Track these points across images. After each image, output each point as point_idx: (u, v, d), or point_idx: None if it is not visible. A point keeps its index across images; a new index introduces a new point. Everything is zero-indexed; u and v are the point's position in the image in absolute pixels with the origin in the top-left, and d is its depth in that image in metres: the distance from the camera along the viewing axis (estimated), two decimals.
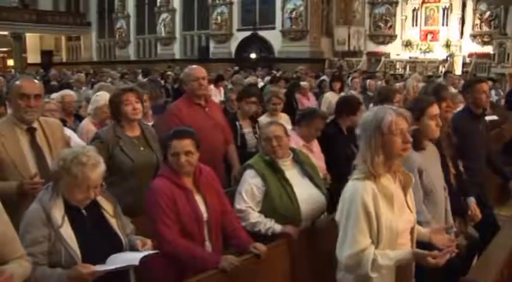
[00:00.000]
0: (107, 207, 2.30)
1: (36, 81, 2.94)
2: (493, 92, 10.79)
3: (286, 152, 3.12)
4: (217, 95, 8.54)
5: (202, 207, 2.67)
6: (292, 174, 3.07)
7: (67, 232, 2.11)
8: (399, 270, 2.14)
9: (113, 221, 2.29)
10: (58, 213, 2.13)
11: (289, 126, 4.80)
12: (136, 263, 2.14)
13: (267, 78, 12.00)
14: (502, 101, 10.24)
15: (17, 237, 1.99)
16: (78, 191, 2.13)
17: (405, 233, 2.16)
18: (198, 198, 2.68)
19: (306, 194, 3.02)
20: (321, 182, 3.18)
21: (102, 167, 2.17)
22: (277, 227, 2.93)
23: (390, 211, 2.06)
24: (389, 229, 2.04)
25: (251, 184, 2.97)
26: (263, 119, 4.63)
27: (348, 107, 4.26)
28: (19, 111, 2.73)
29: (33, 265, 2.02)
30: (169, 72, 13.26)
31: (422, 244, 2.28)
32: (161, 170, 2.77)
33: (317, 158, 3.72)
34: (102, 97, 4.22)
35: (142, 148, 3.23)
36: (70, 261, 2.08)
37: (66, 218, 2.13)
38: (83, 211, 2.21)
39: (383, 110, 2.10)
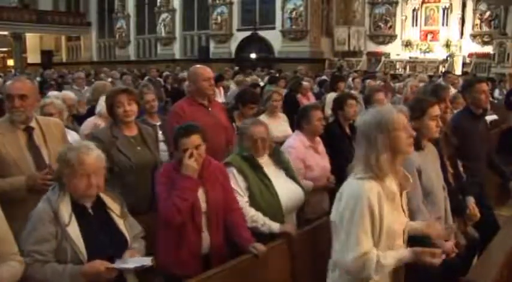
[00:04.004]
0: (114, 207, 2.31)
1: (27, 81, 2.84)
2: (497, 91, 10.83)
3: (267, 151, 3.16)
4: (217, 95, 8.52)
5: (201, 198, 2.70)
6: (270, 170, 3.11)
7: (74, 231, 2.12)
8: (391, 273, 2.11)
9: (119, 221, 2.29)
10: (65, 211, 2.13)
11: (287, 127, 4.80)
12: (150, 262, 2.14)
13: (267, 78, 11.97)
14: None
15: (11, 237, 1.99)
16: (78, 180, 2.12)
17: (400, 234, 2.14)
18: (199, 190, 2.70)
19: (285, 188, 3.09)
20: (296, 175, 3.25)
21: (97, 152, 2.18)
22: (275, 226, 2.94)
23: (392, 212, 2.05)
24: (389, 230, 2.02)
25: (238, 182, 2.98)
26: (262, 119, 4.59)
27: (336, 103, 4.35)
28: (8, 112, 2.73)
29: (36, 263, 2.03)
30: (166, 73, 13.20)
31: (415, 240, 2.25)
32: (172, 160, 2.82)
33: (322, 158, 3.72)
34: None
35: (139, 147, 3.23)
36: (76, 260, 2.09)
37: (73, 217, 2.14)
38: (90, 210, 2.21)
39: (383, 108, 2.12)
